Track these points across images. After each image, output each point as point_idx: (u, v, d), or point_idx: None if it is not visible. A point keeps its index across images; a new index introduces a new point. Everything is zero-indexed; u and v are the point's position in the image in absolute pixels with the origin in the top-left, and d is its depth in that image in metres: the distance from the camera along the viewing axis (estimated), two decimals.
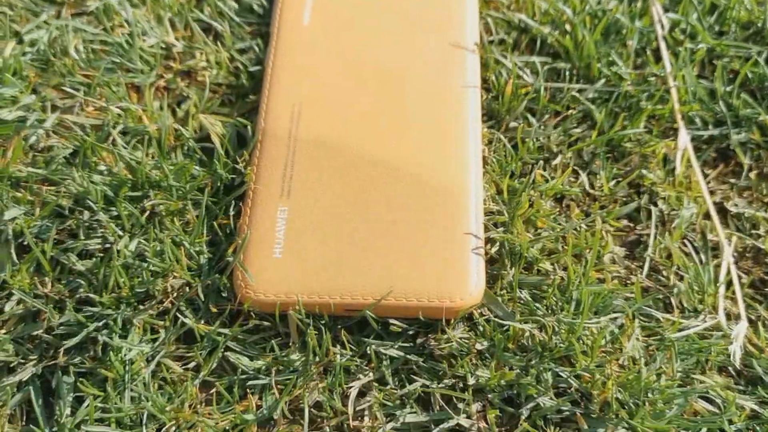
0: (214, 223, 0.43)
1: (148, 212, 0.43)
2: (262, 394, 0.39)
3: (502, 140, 0.46)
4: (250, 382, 0.39)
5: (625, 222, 0.45)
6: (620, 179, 0.47)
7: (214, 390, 0.39)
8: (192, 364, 0.39)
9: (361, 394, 0.39)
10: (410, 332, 0.40)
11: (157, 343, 0.40)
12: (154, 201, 0.42)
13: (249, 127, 0.46)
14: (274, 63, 0.48)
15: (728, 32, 0.51)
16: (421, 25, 0.49)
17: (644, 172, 0.46)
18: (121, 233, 0.42)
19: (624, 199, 0.46)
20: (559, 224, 0.44)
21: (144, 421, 0.37)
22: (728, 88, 0.49)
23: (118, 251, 0.41)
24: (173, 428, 0.37)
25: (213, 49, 0.50)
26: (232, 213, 0.43)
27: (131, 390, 0.38)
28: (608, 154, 0.47)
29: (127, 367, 0.38)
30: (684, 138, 0.46)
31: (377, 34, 0.49)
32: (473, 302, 0.40)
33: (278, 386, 0.39)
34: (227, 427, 0.37)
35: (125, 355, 0.39)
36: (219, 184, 0.44)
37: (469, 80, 0.47)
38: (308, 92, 0.47)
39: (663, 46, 0.49)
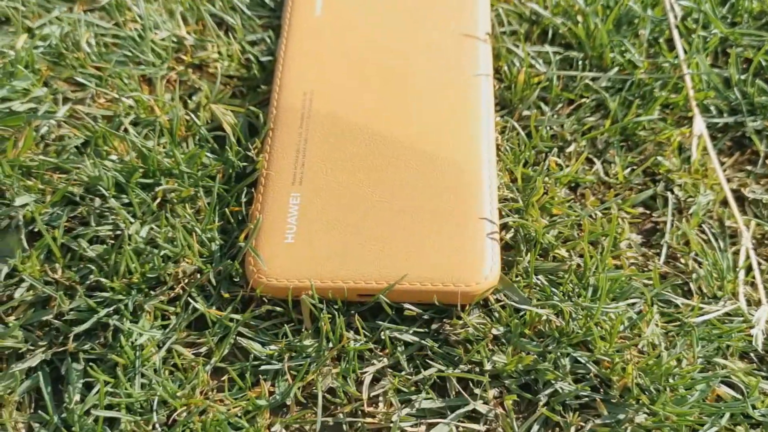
0: (226, 210, 0.43)
1: (159, 199, 0.42)
2: (274, 380, 0.38)
3: (516, 128, 0.46)
4: (262, 367, 0.38)
5: (640, 210, 0.45)
6: (635, 167, 0.46)
7: (225, 377, 0.38)
8: (203, 350, 0.39)
9: (376, 380, 0.38)
10: (425, 318, 0.39)
11: (168, 330, 0.39)
12: (165, 187, 0.42)
13: (261, 116, 0.46)
14: (286, 52, 0.48)
15: (741, 23, 0.51)
16: (434, 16, 0.49)
17: (660, 159, 0.45)
18: (132, 220, 0.41)
19: (639, 187, 0.46)
20: (575, 211, 0.43)
21: (154, 407, 0.37)
22: (743, 77, 0.48)
23: (129, 236, 0.40)
24: (184, 413, 0.36)
25: (224, 41, 0.50)
26: (244, 200, 0.43)
27: (141, 376, 0.38)
28: (622, 143, 0.47)
29: (137, 353, 0.38)
30: (699, 124, 0.46)
31: (390, 24, 0.49)
32: (488, 287, 0.39)
33: (291, 372, 0.38)
34: (239, 414, 0.37)
35: (136, 340, 0.38)
36: (231, 172, 0.44)
37: (481, 69, 0.47)
38: (320, 80, 0.46)
39: (676, 34, 0.49)
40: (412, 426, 0.37)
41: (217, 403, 0.37)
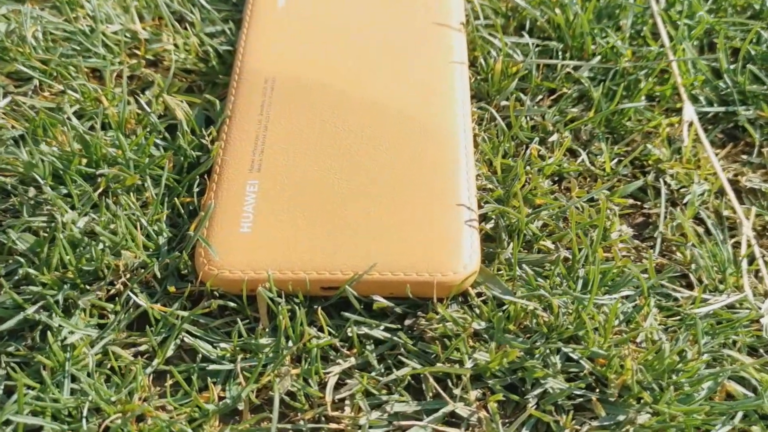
0: (176, 200, 0.38)
1: (101, 189, 0.38)
2: (225, 384, 0.33)
3: (495, 116, 0.43)
4: (211, 367, 0.33)
5: (630, 201, 0.41)
6: (622, 158, 0.43)
7: (169, 381, 0.33)
8: (144, 350, 0.34)
9: (341, 382, 0.34)
10: (397, 312, 0.35)
11: (104, 329, 0.34)
12: (107, 170, 0.38)
13: (217, 105, 0.42)
14: (247, 39, 0.45)
15: (725, 16, 0.49)
16: (403, 5, 0.46)
17: (649, 147, 0.42)
18: (68, 210, 0.37)
19: (627, 179, 0.42)
20: (560, 201, 0.40)
21: (84, 414, 0.31)
22: (731, 66, 0.46)
23: (64, 225, 0.36)
24: (118, 420, 0.31)
25: (182, 34, 0.47)
26: (196, 190, 0.39)
27: (72, 380, 0.33)
28: (608, 134, 0.44)
29: (68, 354, 0.33)
30: (689, 111, 0.43)
31: (357, 14, 0.46)
32: (468, 277, 0.35)
33: (244, 374, 0.33)
34: (183, 421, 0.32)
35: (66, 339, 0.33)
36: (183, 162, 0.40)
37: (455, 57, 0.44)
38: (283, 68, 0.43)
39: (659, 21, 0.46)
40: None
41: (159, 410, 0.32)
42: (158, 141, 0.41)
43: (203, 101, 0.44)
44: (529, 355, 0.34)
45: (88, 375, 0.33)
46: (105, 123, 0.42)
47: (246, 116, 0.41)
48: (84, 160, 0.40)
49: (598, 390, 0.33)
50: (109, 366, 0.33)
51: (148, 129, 0.42)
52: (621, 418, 0.32)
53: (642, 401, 0.33)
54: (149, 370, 0.33)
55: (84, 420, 0.31)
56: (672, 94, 0.45)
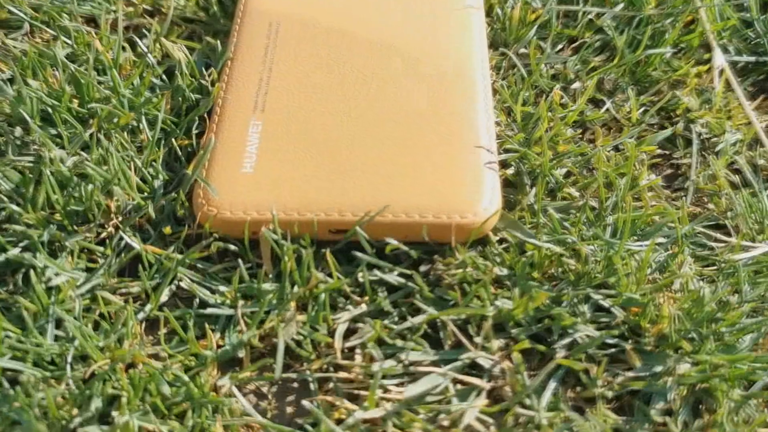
0: (173, 142, 0.36)
1: (93, 129, 0.36)
2: (225, 331, 0.30)
3: (515, 63, 0.40)
4: (209, 311, 0.30)
5: (659, 151, 0.39)
6: (649, 107, 0.40)
7: (163, 330, 0.30)
8: (136, 293, 0.31)
9: (352, 330, 0.31)
10: (412, 257, 0.32)
11: (94, 273, 0.31)
12: (97, 105, 0.35)
13: (219, 46, 0.40)
14: None
15: None
16: None
17: (678, 94, 0.40)
18: (56, 149, 0.34)
19: (654, 130, 0.40)
20: (584, 148, 0.37)
21: (69, 361, 0.29)
22: (762, 17, 0.43)
23: (52, 161, 0.33)
24: (106, 367, 0.28)
25: None
26: (195, 132, 0.36)
27: (56, 326, 0.30)
28: (632, 85, 0.41)
29: (52, 298, 0.30)
30: (719, 58, 0.40)
31: None
32: (488, 219, 0.32)
33: (245, 319, 0.30)
34: (178, 370, 0.29)
35: (50, 280, 0.30)
36: (181, 103, 0.37)
37: (471, 1, 0.41)
38: (289, 11, 0.41)
39: None
40: (397, 383, 0.29)
41: (151, 358, 0.29)
42: (155, 81, 0.38)
43: (204, 46, 0.41)
44: (556, 304, 0.31)
45: (75, 319, 0.30)
46: (99, 69, 0.40)
47: (249, 58, 0.38)
48: (76, 101, 0.37)
49: (631, 340, 0.31)
50: (97, 312, 0.31)
51: (144, 71, 0.39)
52: (658, 368, 0.29)
53: (681, 351, 0.30)
54: (141, 315, 0.31)
55: (68, 366, 0.28)
56: (699, 45, 0.43)
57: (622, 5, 0.43)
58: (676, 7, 0.43)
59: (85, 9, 0.43)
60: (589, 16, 0.42)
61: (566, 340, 0.30)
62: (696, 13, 0.42)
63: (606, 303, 0.31)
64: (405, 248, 0.32)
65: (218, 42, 0.40)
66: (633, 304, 0.31)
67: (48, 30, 0.42)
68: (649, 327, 0.31)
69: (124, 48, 0.41)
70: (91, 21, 0.44)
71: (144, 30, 0.43)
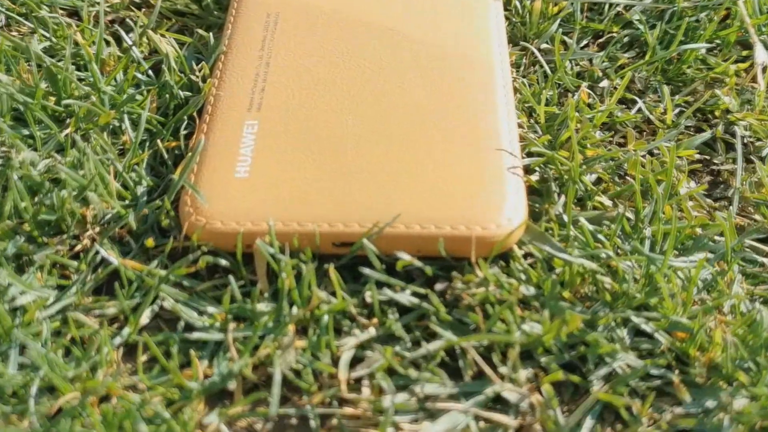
0: (159, 144, 0.32)
1: (69, 129, 0.32)
2: (213, 358, 0.27)
3: (537, 57, 0.37)
4: (195, 336, 0.27)
5: (697, 156, 0.35)
6: (684, 108, 0.37)
7: (142, 357, 0.27)
8: (112, 313, 0.27)
9: (359, 358, 0.27)
10: (426, 273, 0.29)
11: (66, 291, 0.28)
12: (76, 102, 0.31)
13: (211, 38, 0.36)
14: None
15: None
16: None
17: (718, 93, 0.36)
18: (26, 149, 0.31)
19: (690, 133, 0.36)
20: (616, 152, 0.33)
21: (33, 393, 0.25)
22: None
23: (21, 164, 0.29)
24: (75, 401, 0.25)
25: None
26: (183, 133, 0.33)
27: (20, 352, 0.26)
28: (665, 84, 0.38)
29: (17, 320, 0.26)
30: (762, 54, 0.37)
31: None
32: (512, 232, 0.28)
33: (237, 345, 0.27)
34: (159, 405, 0.25)
35: (15, 300, 0.27)
36: (169, 102, 0.34)
37: None
38: (288, 0, 0.37)
39: None
40: (411, 420, 0.25)
41: (128, 390, 0.26)
42: (141, 77, 0.34)
43: (195, 40, 0.37)
44: (591, 328, 0.28)
45: (42, 346, 0.26)
46: (80, 65, 0.36)
47: (245, 52, 0.35)
48: (52, 99, 0.33)
49: (678, 371, 0.27)
50: (69, 336, 0.27)
51: (130, 65, 0.36)
52: (711, 403, 0.26)
53: (736, 383, 0.26)
54: (118, 341, 0.27)
55: (32, 400, 0.25)
56: (736, 40, 0.39)
57: None
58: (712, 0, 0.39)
59: (67, 0, 0.39)
60: (618, 9, 0.39)
61: (603, 371, 0.27)
62: (733, 7, 0.39)
63: (648, 327, 0.27)
64: (419, 264, 0.28)
65: (210, 35, 0.36)
66: (679, 329, 0.27)
67: (26, 23, 0.38)
68: (699, 355, 0.27)
69: (108, 42, 0.37)
70: (74, 14, 0.40)
71: (130, 22, 0.39)
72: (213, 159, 0.30)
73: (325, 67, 0.34)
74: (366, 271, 0.28)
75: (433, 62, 0.34)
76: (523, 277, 0.29)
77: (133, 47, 0.35)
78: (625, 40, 0.39)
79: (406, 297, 0.28)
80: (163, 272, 0.28)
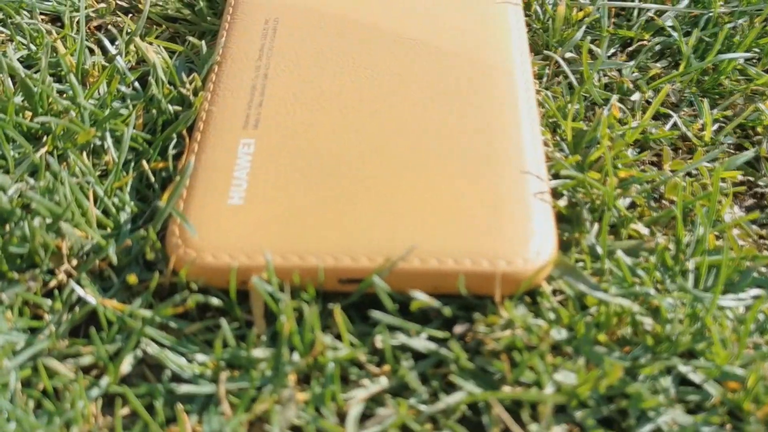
0: (145, 165, 0.29)
1: (45, 149, 0.29)
2: (203, 413, 0.23)
3: (562, 67, 0.33)
4: (184, 389, 0.23)
5: (740, 177, 0.32)
6: (723, 124, 0.33)
7: (123, 410, 0.23)
8: (88, 362, 0.24)
9: (369, 413, 0.24)
10: (444, 314, 0.25)
11: (38, 335, 0.24)
12: (51, 119, 0.28)
13: (203, 47, 0.33)
14: None
15: None
16: None
17: (762, 107, 0.33)
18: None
19: (730, 151, 0.33)
20: (651, 174, 0.30)
21: None
22: None
23: None
24: None
25: None
26: (172, 152, 0.29)
27: None
28: (701, 96, 0.35)
29: None
30: None
31: None
32: (541, 267, 0.25)
33: (231, 399, 0.23)
34: None
35: None
36: (157, 117, 0.30)
37: None
38: (288, 5, 0.34)
39: None
40: None
41: None
42: (125, 90, 0.31)
43: (186, 49, 0.34)
44: (631, 377, 0.24)
45: (10, 400, 0.23)
46: (61, 76, 0.33)
47: (240, 62, 0.31)
48: (27, 115, 0.30)
49: (730, 425, 0.24)
50: (40, 387, 0.24)
51: (113, 76, 0.32)
52: None
53: None
54: (96, 392, 0.23)
55: None
56: None
57: (686, 2, 0.36)
58: (752, 3, 0.36)
59: (48, 5, 0.36)
60: (649, 14, 0.36)
61: (647, 427, 0.23)
62: None
63: (696, 377, 0.24)
64: (436, 304, 0.25)
65: (203, 43, 0.33)
66: (731, 379, 0.24)
67: (3, 30, 0.35)
68: (753, 409, 0.24)
69: (92, 51, 0.34)
70: (57, 20, 0.37)
71: (114, 29, 0.36)
72: (204, 183, 0.27)
73: (329, 80, 0.30)
74: (377, 314, 0.24)
75: (448, 73, 0.31)
76: (552, 316, 0.26)
77: (118, 57, 0.32)
78: (656, 48, 0.35)
79: (422, 343, 0.24)
80: (147, 313, 0.25)
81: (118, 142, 0.30)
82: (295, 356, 0.24)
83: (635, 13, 0.36)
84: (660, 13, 0.36)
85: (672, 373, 0.24)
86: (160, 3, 0.37)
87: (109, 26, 0.36)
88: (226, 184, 0.27)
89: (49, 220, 0.26)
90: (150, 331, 0.24)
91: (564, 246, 0.28)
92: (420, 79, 0.30)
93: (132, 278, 0.25)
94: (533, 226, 0.26)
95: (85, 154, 0.29)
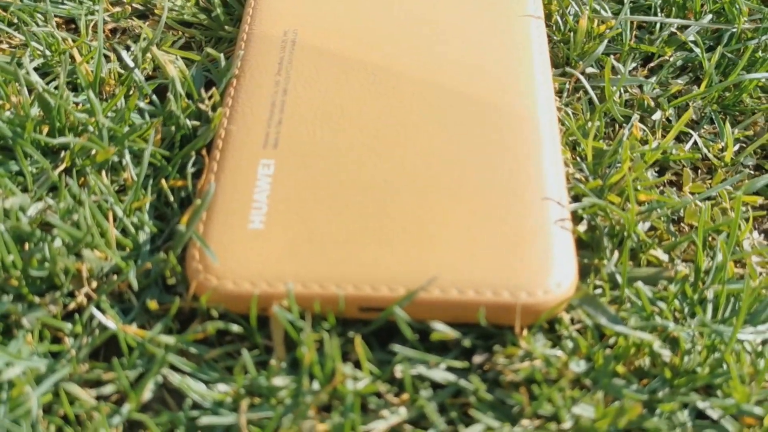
0: (164, 183, 0.29)
1: (63, 166, 0.29)
2: None
3: (583, 83, 0.33)
4: (204, 421, 0.23)
5: (760, 201, 0.32)
6: (744, 144, 0.33)
7: None
8: (110, 391, 0.24)
9: None
10: (464, 346, 0.25)
11: (58, 359, 0.25)
12: (71, 139, 0.28)
13: (222, 60, 0.33)
14: None
15: None
16: None
17: None
18: (16, 191, 0.27)
19: (750, 171, 0.33)
20: (671, 198, 0.30)
21: None
22: None
23: (7, 213, 0.26)
24: None
25: None
26: (191, 170, 0.29)
27: None
28: (721, 113, 0.34)
29: (3, 395, 0.23)
30: None
31: None
32: (561, 298, 0.25)
33: (252, 428, 0.24)
34: None
35: (2, 373, 0.24)
36: (174, 133, 0.30)
37: (529, 9, 0.34)
38: (308, 16, 0.33)
39: None
40: None
41: None
42: (143, 105, 0.31)
43: (203, 58, 0.34)
44: (648, 409, 0.24)
45: (32, 427, 0.23)
46: (77, 84, 0.33)
47: (259, 76, 0.31)
48: (45, 129, 0.30)
49: None
50: (61, 413, 0.24)
51: (131, 89, 0.32)
52: None
53: None
54: (117, 419, 0.24)
55: None
56: None
57: (710, 17, 0.36)
58: None
59: (63, 9, 0.36)
60: (672, 29, 0.35)
61: None
62: None
63: (714, 413, 0.24)
64: (456, 335, 0.25)
65: (222, 56, 0.33)
66: (749, 414, 0.24)
67: (16, 35, 0.35)
68: None
69: (107, 58, 0.34)
70: (71, 21, 0.37)
71: (132, 34, 0.36)
72: (224, 206, 0.27)
73: (349, 96, 0.30)
74: (397, 348, 0.24)
75: (471, 93, 0.30)
76: (570, 345, 0.26)
77: (136, 70, 0.31)
78: (678, 63, 0.35)
79: (441, 374, 0.25)
80: (168, 339, 0.25)
81: (136, 156, 0.29)
82: (316, 384, 0.24)
83: (657, 26, 0.36)
84: (682, 28, 0.36)
85: (687, 407, 0.25)
86: (176, 8, 0.36)
87: (125, 29, 0.36)
88: (247, 207, 0.27)
89: (69, 243, 0.26)
90: (171, 358, 0.25)
91: (583, 271, 0.28)
92: (443, 98, 0.30)
93: (153, 304, 0.25)
94: (554, 256, 0.26)
95: (103, 171, 0.28)
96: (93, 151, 0.29)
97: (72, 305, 0.26)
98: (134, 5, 0.37)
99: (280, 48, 0.32)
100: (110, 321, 0.25)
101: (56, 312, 0.25)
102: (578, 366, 0.25)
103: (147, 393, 0.24)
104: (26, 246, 0.26)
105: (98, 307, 0.26)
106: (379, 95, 0.30)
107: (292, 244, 0.26)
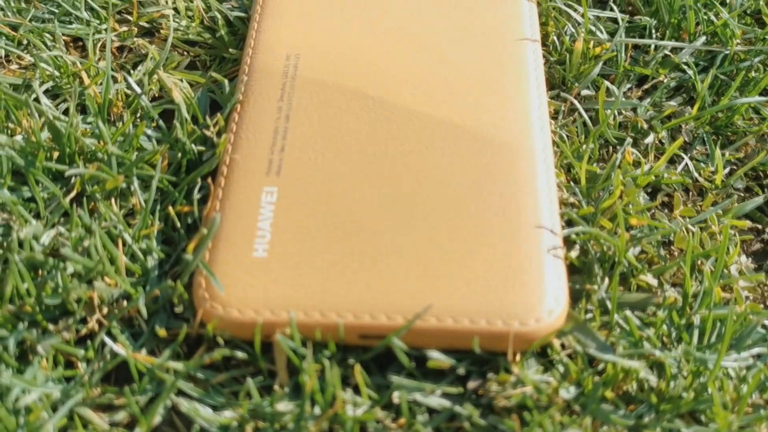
0: (170, 209, 0.30)
1: (74, 193, 0.30)
2: None
3: (577, 107, 0.34)
4: None
5: (749, 224, 0.33)
6: (734, 167, 0.34)
7: None
8: (122, 417, 0.25)
9: None
10: (458, 372, 0.27)
11: (72, 384, 0.26)
12: (80, 170, 0.29)
13: (226, 85, 0.33)
14: (265, 4, 0.36)
15: None
16: None
17: None
18: (30, 219, 0.28)
19: (740, 194, 0.34)
20: (661, 222, 0.31)
21: None
22: None
23: (21, 243, 0.27)
24: None
25: None
26: (197, 197, 0.30)
27: None
28: (713, 135, 0.35)
29: (21, 420, 0.25)
30: None
31: None
32: (553, 326, 0.26)
33: None
34: None
35: (18, 400, 0.25)
36: (180, 159, 0.31)
37: (526, 32, 0.35)
38: (311, 40, 0.34)
39: None
40: None
41: None
42: (150, 132, 0.32)
43: (208, 80, 0.35)
44: None
45: None
46: (86, 106, 0.34)
47: (262, 102, 0.32)
48: (55, 154, 0.31)
49: None
50: None
51: (137, 115, 0.33)
52: None
53: None
54: None
55: None
56: None
57: (703, 39, 0.36)
58: None
59: (71, 29, 0.37)
60: (665, 51, 0.36)
61: None
62: None
63: None
64: (451, 362, 0.26)
65: (225, 81, 0.33)
66: None
67: (26, 56, 0.35)
68: None
69: (115, 79, 0.35)
70: (79, 40, 0.38)
71: (139, 53, 0.37)
72: (229, 235, 0.28)
73: (351, 124, 0.31)
74: (394, 379, 0.26)
75: (467, 119, 0.31)
76: (561, 369, 0.27)
77: (142, 96, 0.32)
78: (672, 84, 0.36)
79: (436, 401, 0.26)
80: (177, 365, 0.26)
81: (143, 181, 0.30)
82: (317, 410, 0.25)
83: (652, 47, 0.36)
84: (676, 50, 0.36)
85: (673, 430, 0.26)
86: (182, 28, 0.37)
87: (131, 49, 0.37)
88: (251, 235, 0.28)
89: (80, 272, 0.27)
90: (180, 383, 0.26)
91: (575, 296, 0.29)
92: (440, 125, 0.31)
93: (162, 332, 0.26)
94: (546, 285, 0.27)
95: (112, 198, 0.29)
96: (101, 179, 0.30)
97: (84, 331, 0.27)
98: (141, 23, 0.38)
99: (283, 73, 0.33)
100: (121, 348, 0.26)
101: (69, 338, 0.27)
102: (568, 392, 0.26)
103: (157, 417, 0.25)
104: (39, 273, 0.27)
105: (109, 333, 0.27)
106: (380, 122, 0.31)
107: (293, 272, 0.27)
